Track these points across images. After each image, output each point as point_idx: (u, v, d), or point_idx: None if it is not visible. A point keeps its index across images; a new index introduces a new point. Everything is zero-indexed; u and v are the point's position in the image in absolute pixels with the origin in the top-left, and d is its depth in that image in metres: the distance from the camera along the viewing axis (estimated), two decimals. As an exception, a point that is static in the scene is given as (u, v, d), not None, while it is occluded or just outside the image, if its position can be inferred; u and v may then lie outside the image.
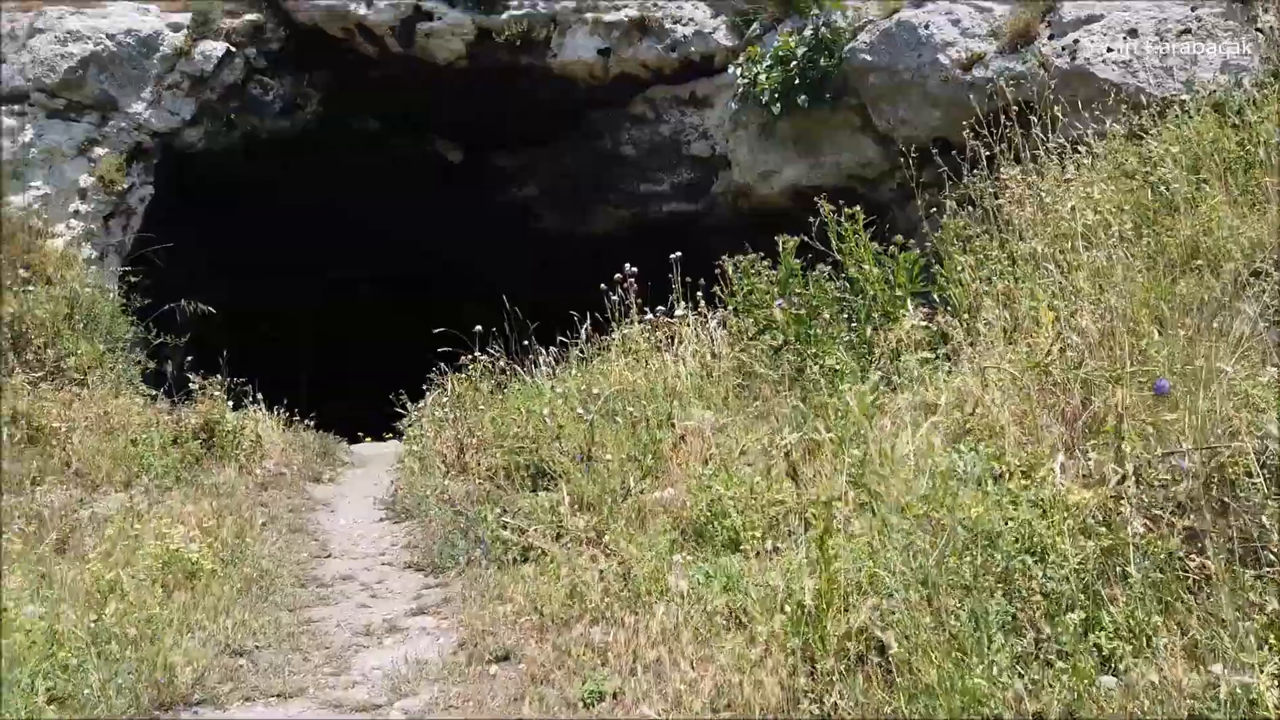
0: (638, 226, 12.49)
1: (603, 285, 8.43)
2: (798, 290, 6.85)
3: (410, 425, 8.56)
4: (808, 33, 9.33)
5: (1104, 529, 2.67)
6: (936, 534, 2.90)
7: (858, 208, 6.78)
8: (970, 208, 6.97)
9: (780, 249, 7.54)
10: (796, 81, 9.19)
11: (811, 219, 7.34)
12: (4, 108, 9.26)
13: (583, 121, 12.05)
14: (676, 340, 8.28)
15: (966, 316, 6.17)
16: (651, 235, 12.83)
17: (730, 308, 7.96)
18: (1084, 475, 3.12)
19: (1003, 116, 6.70)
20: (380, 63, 11.15)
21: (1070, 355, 4.41)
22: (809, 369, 6.59)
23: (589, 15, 10.68)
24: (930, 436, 4.31)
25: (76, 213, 9.28)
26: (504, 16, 10.68)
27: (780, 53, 9.36)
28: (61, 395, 7.56)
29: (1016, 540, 2.57)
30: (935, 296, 6.65)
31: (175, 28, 9.94)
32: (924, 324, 6.49)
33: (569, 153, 12.36)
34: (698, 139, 11.17)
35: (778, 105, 9.30)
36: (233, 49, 10.21)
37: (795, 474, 4.72)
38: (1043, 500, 2.72)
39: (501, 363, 8.53)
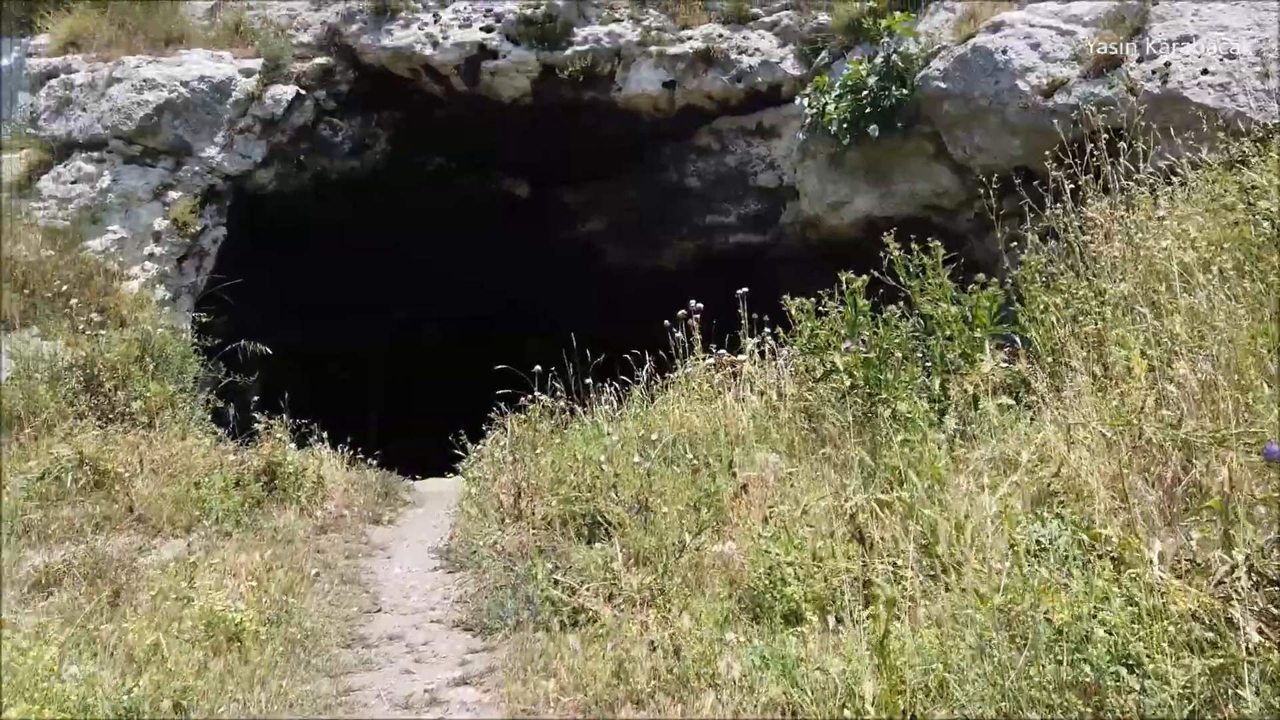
0: (703, 259, 12.30)
1: (667, 321, 8.26)
2: (867, 331, 6.53)
3: (469, 466, 8.45)
4: (878, 60, 9.04)
5: (1211, 635, 2.32)
6: (1015, 629, 2.57)
7: (935, 241, 6.44)
8: (1053, 242, 6.57)
9: (846, 288, 7.24)
10: (867, 110, 8.89)
11: (883, 252, 7.02)
12: (83, 155, 9.56)
13: (647, 155, 11.94)
14: (740, 379, 8.04)
15: (1050, 361, 5.77)
16: (717, 268, 12.62)
17: (795, 347, 7.68)
18: (1186, 561, 2.76)
19: (1088, 144, 6.30)
20: (446, 102, 11.23)
21: (1167, 412, 4.02)
22: (880, 414, 6.26)
23: (653, 48, 10.57)
24: (1010, 499, 3.97)
25: (151, 255, 9.50)
26: (568, 52, 10.64)
27: (849, 81, 9.07)
28: (129, 438, 7.66)
29: (1109, 651, 2.24)
30: (1016, 338, 6.27)
31: (247, 73, 10.17)
32: (1004, 366, 6.11)
33: (633, 186, 12.26)
34: (765, 170, 10.93)
35: (847, 135, 9.01)
36: (302, 92, 10.39)
37: (861, 536, 4.41)
38: (1138, 601, 2.39)
39: (561, 402, 8.40)
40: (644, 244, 12.24)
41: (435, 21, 10.70)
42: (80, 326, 8.28)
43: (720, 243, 11.76)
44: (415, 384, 16.73)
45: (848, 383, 6.69)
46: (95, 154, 9.66)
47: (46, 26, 10.42)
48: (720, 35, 10.53)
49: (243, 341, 9.09)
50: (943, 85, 8.39)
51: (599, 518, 6.20)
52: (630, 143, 11.83)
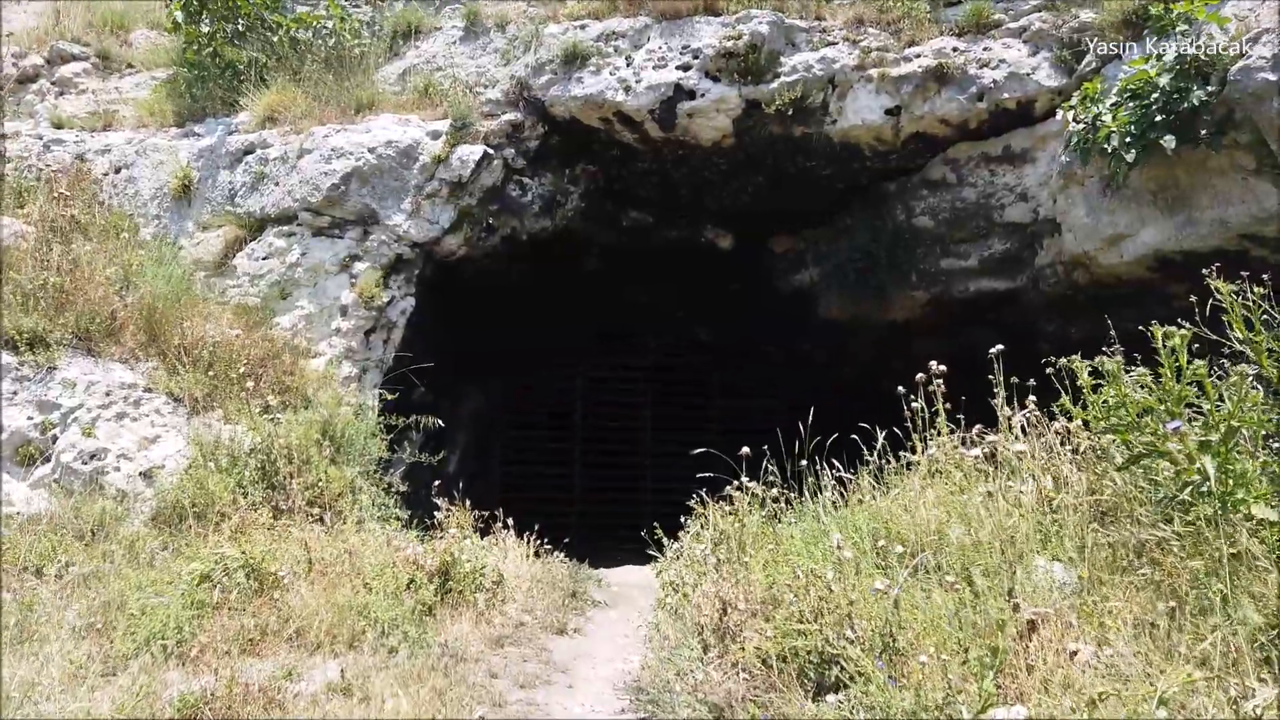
0: (937, 310, 10.65)
1: (901, 388, 6.85)
2: (1206, 403, 4.81)
3: (665, 566, 7.26)
4: (1168, 57, 7.24)
5: None
6: None
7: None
8: None
9: (1160, 343, 5.52)
10: (1157, 118, 7.11)
11: (1189, 295, 5.33)
12: (275, 229, 9.42)
13: (869, 193, 10.53)
14: (999, 463, 6.46)
15: None
16: (954, 320, 10.93)
17: (1079, 421, 6.00)
18: None
19: None
20: (640, 151, 10.39)
21: None
22: (1229, 519, 4.54)
23: (873, 71, 9.24)
24: None
25: (338, 330, 9.14)
26: (774, 85, 9.51)
27: (1131, 85, 7.33)
28: (299, 534, 7.08)
29: None
30: None
31: (434, 135, 9.77)
32: None
33: (851, 231, 10.86)
34: (1014, 202, 9.23)
35: (1131, 151, 7.24)
36: (490, 151, 9.86)
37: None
38: None
39: (774, 491, 7.11)
40: (865, 295, 10.77)
41: (628, 65, 9.92)
42: (260, 408, 7.89)
43: (958, 291, 10.09)
44: (622, 445, 15.86)
45: (1175, 475, 4.98)
46: (286, 228, 9.51)
47: (247, 104, 10.54)
48: (955, 49, 9.04)
49: (414, 417, 8.47)
50: (1271, 77, 6.50)
51: (830, 655, 4.81)
52: (847, 181, 10.49)
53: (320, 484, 7.85)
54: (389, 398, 9.23)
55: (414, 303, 9.82)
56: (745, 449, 6.95)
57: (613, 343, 15.78)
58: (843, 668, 4.65)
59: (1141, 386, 5.67)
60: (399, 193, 9.57)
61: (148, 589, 6.20)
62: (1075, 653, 4.54)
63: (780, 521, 7.08)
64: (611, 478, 15.55)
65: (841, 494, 7.09)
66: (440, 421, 8.66)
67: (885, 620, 4.72)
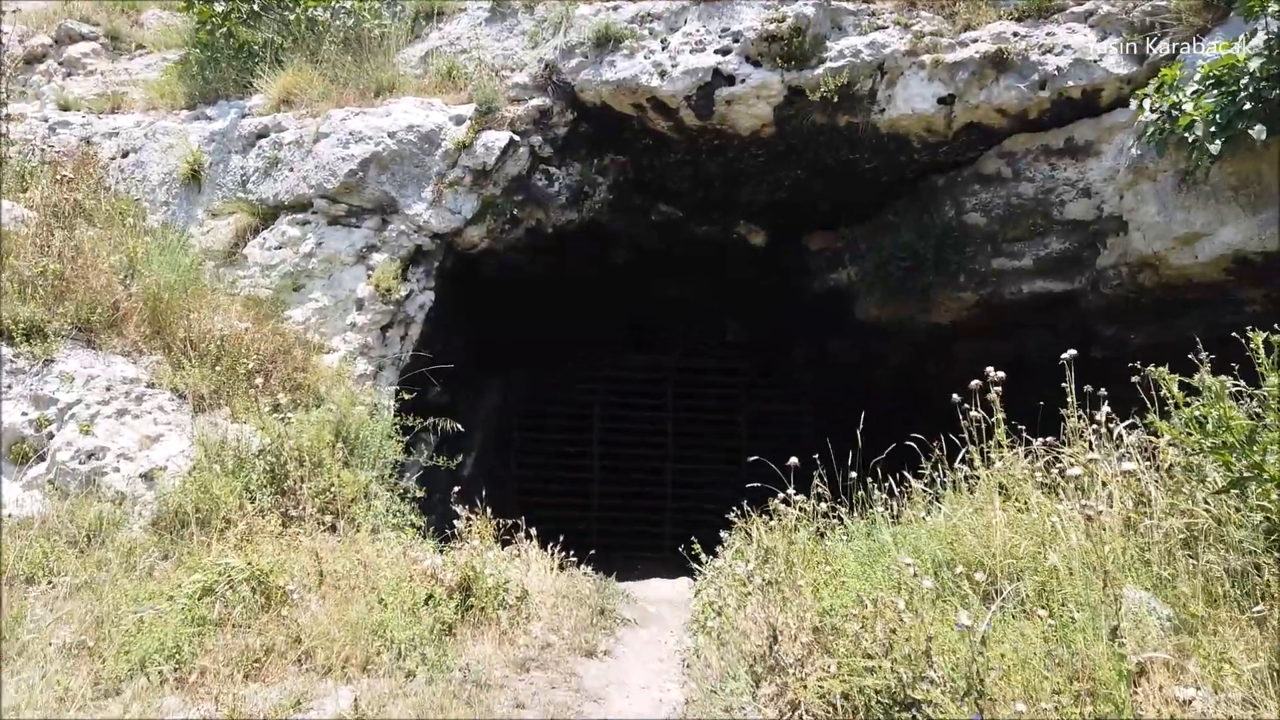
0: (987, 313, 10.11)
1: (956, 396, 6.37)
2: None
3: (705, 585, 6.76)
4: (1258, 40, 6.70)
5: None
6: None
7: None
8: None
9: (1260, 352, 5.03)
10: (1245, 106, 6.56)
11: (1264, 299, 4.79)
12: (288, 217, 8.96)
13: (915, 188, 10.00)
14: (1068, 479, 5.96)
15: None
16: (1006, 324, 10.39)
17: (1168, 438, 5.50)
18: None
19: None
20: (673, 141, 9.88)
21: None
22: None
23: (926, 57, 8.71)
24: None
25: (353, 325, 8.68)
26: (818, 71, 8.99)
27: (1215, 71, 6.79)
28: (310, 542, 6.60)
29: None
30: None
31: (457, 120, 9.29)
32: None
33: (898, 228, 10.31)
34: (1075, 198, 8.67)
35: (1215, 141, 6.70)
36: (516, 138, 9.37)
37: None
38: None
39: (822, 504, 6.63)
40: (908, 296, 10.22)
41: (663, 48, 9.41)
42: (269, 407, 7.43)
43: (1010, 292, 9.55)
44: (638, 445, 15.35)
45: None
46: (300, 216, 9.06)
47: (261, 87, 10.09)
48: (1015, 34, 8.51)
49: (432, 420, 8.01)
50: (1381, 58, 5.95)
51: (906, 700, 4.30)
52: (892, 175, 9.96)
53: (333, 489, 7.39)
54: (406, 397, 8.75)
55: (433, 297, 9.35)
56: (794, 459, 6.43)
57: (637, 340, 15.29)
58: (922, 712, 4.15)
59: (1236, 397, 5.16)
60: (420, 180, 9.10)
61: (145, 602, 5.74)
62: (1189, 701, 4.04)
63: (826, 537, 6.59)
64: (632, 481, 15.05)
65: (893, 509, 6.60)
66: (459, 425, 8.15)
67: (970, 659, 4.20)
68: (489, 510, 7.86)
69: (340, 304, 8.72)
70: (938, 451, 6.85)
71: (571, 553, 8.43)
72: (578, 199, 10.17)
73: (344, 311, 8.72)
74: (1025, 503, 5.85)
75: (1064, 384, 5.88)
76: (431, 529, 8.62)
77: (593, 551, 8.58)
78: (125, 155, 10.26)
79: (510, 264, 10.54)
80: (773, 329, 14.38)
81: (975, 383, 6.38)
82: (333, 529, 7.00)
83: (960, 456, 6.52)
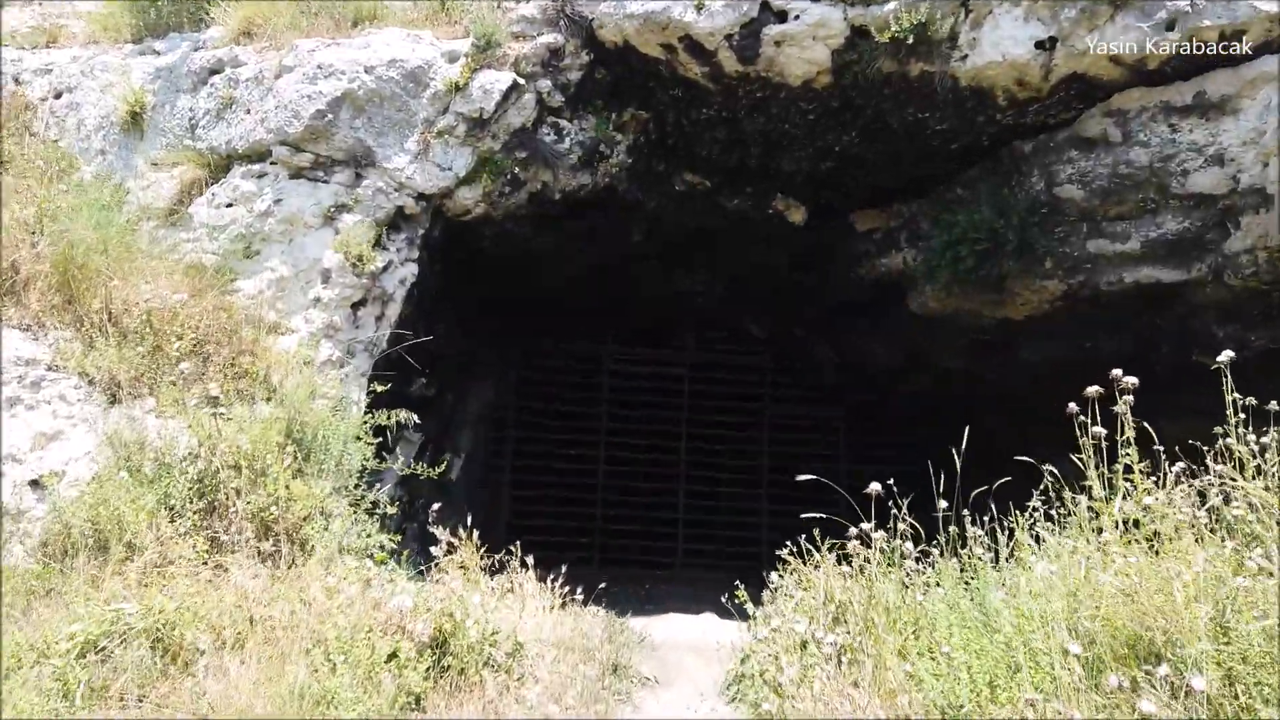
0: (1070, 306, 8.67)
1: (1073, 405, 5.07)
2: None
3: (756, 647, 5.30)
4: None
5: None
6: None
7: None
8: None
9: None
10: None
11: None
12: (242, 168, 7.50)
13: (996, 155, 8.55)
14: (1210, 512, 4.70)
15: None
16: (1085, 321, 8.95)
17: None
18: None
19: None
20: (708, 92, 8.43)
21: None
22: None
23: (1023, -10, 7.26)
24: None
25: (317, 301, 7.23)
26: (889, 7, 7.55)
27: None
28: (243, 576, 5.16)
29: None
30: None
31: (451, 57, 7.83)
32: None
33: (971, 203, 8.85)
34: (1202, 166, 7.22)
35: None
36: (520, 80, 7.92)
37: None
38: None
39: (906, 544, 5.24)
40: (979, 285, 8.77)
41: (699, -22, 7.94)
42: (202, 399, 5.98)
43: (1107, 281, 8.10)
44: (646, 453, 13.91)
45: None
46: (256, 167, 7.61)
47: (219, 16, 8.62)
48: (1135, -38, 7.04)
49: (402, 414, 6.59)
50: None
51: None
52: (967, 140, 8.51)
53: (279, 504, 5.94)
54: (380, 390, 7.32)
55: (417, 271, 7.90)
56: (875, 485, 4.99)
57: (649, 333, 13.85)
58: None
59: None
60: (402, 127, 7.64)
61: (10, 660, 4.30)
62: None
63: (908, 586, 5.18)
64: (640, 490, 13.60)
65: (993, 552, 5.22)
66: (446, 424, 6.69)
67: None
68: (478, 527, 6.43)
69: (302, 275, 7.27)
70: (1047, 476, 5.49)
71: (573, 569, 7.03)
72: (591, 160, 8.71)
73: (306, 284, 7.27)
74: (1171, 546, 4.50)
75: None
76: (410, 550, 7.24)
77: (602, 584, 7.11)
78: (58, 96, 8.82)
79: (510, 237, 9.09)
80: (804, 325, 12.94)
81: (1092, 390, 5.04)
82: (273, 557, 5.55)
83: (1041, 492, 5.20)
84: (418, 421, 7.56)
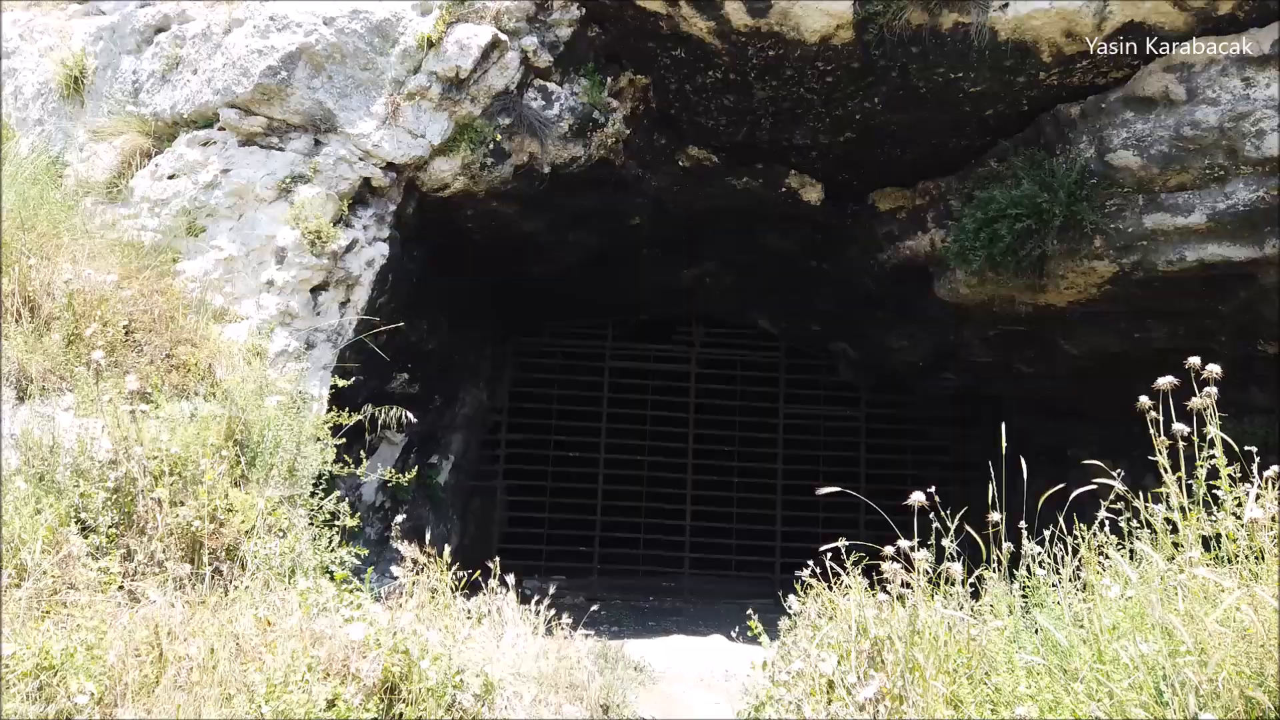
0: (1120, 290, 7.84)
1: (1145, 400, 4.26)
2: None
3: (773, 694, 4.45)
4: None
5: None
6: None
7: None
8: None
9: None
10: None
11: None
12: (187, 135, 6.70)
13: (1037, 122, 7.72)
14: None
15: None
16: (1134, 309, 8.13)
17: None
18: None
19: None
20: (714, 52, 7.61)
21: None
22: None
23: (1073, -74, 6.42)
24: None
25: (270, 284, 6.43)
26: (918, -51, 6.72)
27: None
28: (157, 606, 4.35)
29: None
30: None
31: (423, 9, 7.04)
32: None
33: (1003, 177, 8.02)
34: (1281, 127, 6.37)
35: None
36: (503, 36, 7.12)
37: None
38: None
39: (953, 566, 4.39)
40: (1017, 268, 7.91)
41: (705, -79, 7.13)
42: (125, 394, 5.17)
43: (1166, 261, 7.27)
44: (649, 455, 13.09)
45: None
46: (202, 134, 6.81)
47: (169, -30, 7.82)
48: (1204, -110, 6.21)
49: (370, 409, 5.79)
50: None
51: None
52: (1004, 104, 7.69)
53: (214, 517, 5.12)
54: (341, 384, 6.51)
55: (388, 252, 7.10)
56: (919, 495, 4.16)
57: (653, 328, 13.02)
58: None
59: None
60: (368, 89, 6.83)
61: None
62: None
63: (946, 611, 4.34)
64: (643, 496, 12.78)
65: (1056, 571, 4.41)
66: (435, 424, 5.92)
67: None
68: (469, 536, 5.60)
69: (253, 254, 6.47)
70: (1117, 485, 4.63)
71: (571, 579, 6.19)
72: (584, 130, 7.90)
73: (258, 265, 6.47)
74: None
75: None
76: (387, 563, 6.45)
77: (599, 598, 6.28)
78: (-5, 62, 8.03)
79: (495, 218, 8.28)
80: (819, 317, 12.10)
81: (1165, 381, 4.20)
82: (205, 580, 4.74)
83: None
84: (411, 420, 6.77)
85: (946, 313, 9.61)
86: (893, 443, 12.67)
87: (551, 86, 7.56)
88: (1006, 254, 7.83)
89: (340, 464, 6.25)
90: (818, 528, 12.86)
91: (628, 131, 8.34)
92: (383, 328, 7.53)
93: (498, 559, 6.04)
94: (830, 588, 4.88)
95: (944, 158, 8.62)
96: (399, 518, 5.65)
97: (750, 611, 4.80)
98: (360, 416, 6.05)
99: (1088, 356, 9.13)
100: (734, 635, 7.55)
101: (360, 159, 6.80)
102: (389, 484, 7.59)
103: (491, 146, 7.39)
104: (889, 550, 4.45)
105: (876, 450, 12.57)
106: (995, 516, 4.45)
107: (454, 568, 5.49)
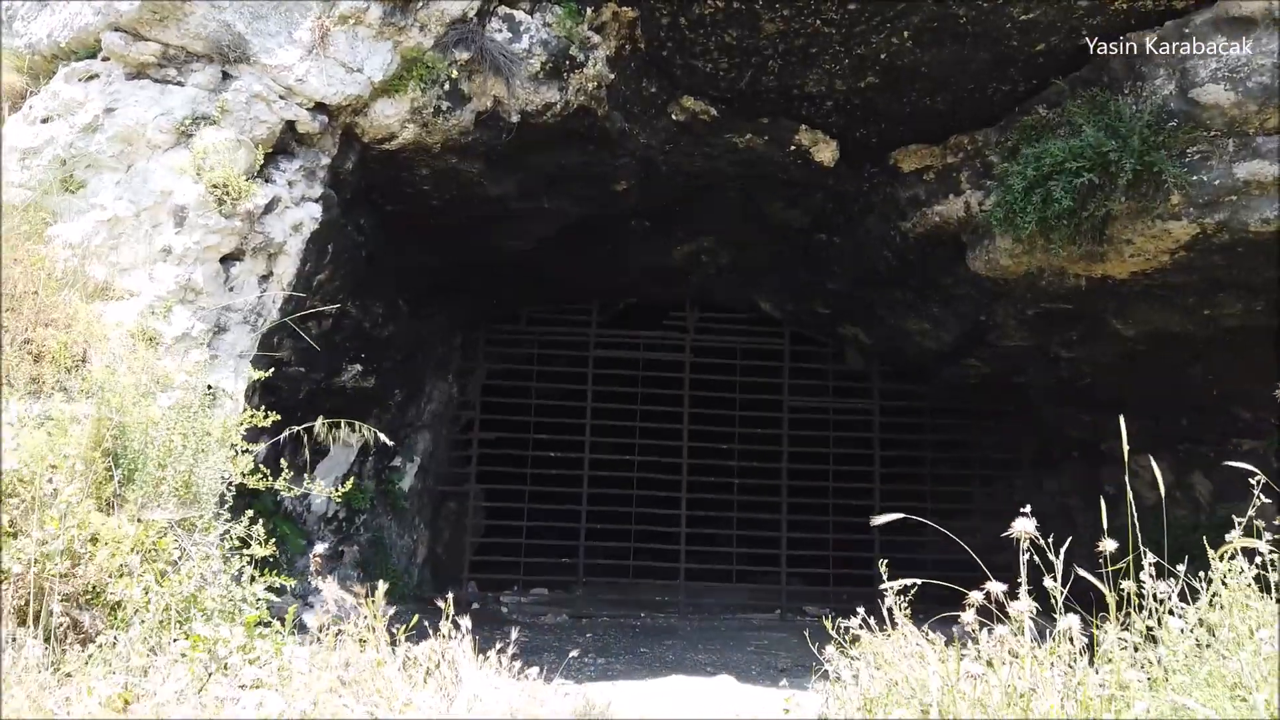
0: (1196, 258, 6.71)
1: None
2: None
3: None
4: None
5: None
6: None
7: None
8: None
9: None
10: None
11: None
12: (65, 69, 5.45)
13: (1101, 60, 6.55)
14: None
15: None
16: (1209, 280, 7.02)
17: None
18: None
19: None
20: (714, -26, 6.41)
21: None
22: None
23: None
24: None
25: (168, 251, 5.20)
26: None
27: None
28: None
29: None
30: None
31: (360, -85, 5.78)
32: None
33: (1056, 126, 6.88)
34: None
35: None
36: (457, -50, 5.88)
37: None
38: None
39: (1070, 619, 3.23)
40: (1074, 232, 6.76)
41: None
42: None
43: (1263, 218, 6.17)
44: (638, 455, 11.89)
45: None
46: (83, 66, 5.56)
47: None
48: None
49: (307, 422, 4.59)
50: None
51: None
52: (1057, 41, 6.56)
53: (68, 551, 3.92)
54: (260, 377, 5.29)
55: (320, 215, 5.87)
56: (1024, 523, 3.00)
57: (643, 312, 11.83)
58: None
59: None
60: (290, 9, 5.59)
61: None
62: None
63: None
64: (632, 499, 11.60)
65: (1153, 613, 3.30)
66: (369, 428, 4.74)
67: None
68: (440, 547, 4.42)
69: (145, 214, 5.24)
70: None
71: (553, 594, 5.00)
72: (559, 70, 6.69)
73: (152, 228, 5.24)
74: None
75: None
76: (336, 585, 5.24)
77: (573, 653, 5.09)
78: None
79: (455, 176, 7.07)
80: (828, 298, 10.92)
81: None
82: (55, 637, 3.54)
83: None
84: (352, 422, 5.57)
85: (981, 289, 8.48)
86: (908, 437, 11.55)
87: (519, 15, 6.34)
88: (1064, 216, 6.67)
89: (258, 475, 5.03)
90: (828, 533, 11.89)
91: (611, 76, 7.13)
92: (320, 308, 6.34)
93: (470, 572, 4.84)
94: (881, 628, 3.72)
95: (982, 106, 7.46)
96: (320, 548, 4.46)
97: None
98: (276, 417, 4.83)
99: (1142, 339, 8.02)
100: (744, 671, 6.42)
101: (280, 97, 5.57)
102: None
103: (447, 87, 6.17)
104: (973, 596, 3.30)
105: (890, 446, 11.42)
106: (1109, 545, 3.30)
107: (419, 586, 4.30)
